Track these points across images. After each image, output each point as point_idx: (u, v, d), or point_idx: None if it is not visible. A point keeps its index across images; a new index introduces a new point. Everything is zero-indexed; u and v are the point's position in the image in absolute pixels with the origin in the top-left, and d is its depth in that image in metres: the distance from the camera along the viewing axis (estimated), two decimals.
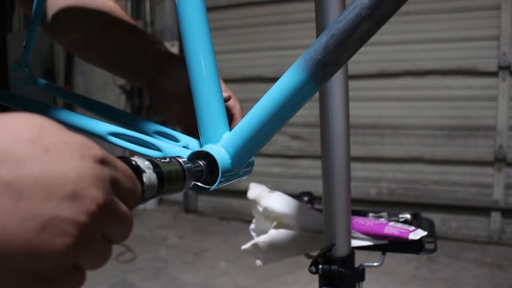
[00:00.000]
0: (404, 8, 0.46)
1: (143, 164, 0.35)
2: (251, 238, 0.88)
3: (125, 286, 2.62)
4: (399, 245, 0.76)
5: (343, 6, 0.63)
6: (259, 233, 0.87)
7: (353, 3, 0.42)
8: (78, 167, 0.26)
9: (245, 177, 0.55)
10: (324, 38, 0.44)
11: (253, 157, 0.53)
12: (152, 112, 4.15)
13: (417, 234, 0.75)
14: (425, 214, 0.93)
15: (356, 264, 0.76)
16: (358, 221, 0.81)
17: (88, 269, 0.28)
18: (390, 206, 3.23)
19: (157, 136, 0.58)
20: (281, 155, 3.71)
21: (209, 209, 4.05)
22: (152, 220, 3.84)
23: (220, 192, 3.88)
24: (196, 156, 0.48)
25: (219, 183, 0.48)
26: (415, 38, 3.23)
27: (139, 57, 0.65)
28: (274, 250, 0.85)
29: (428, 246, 0.78)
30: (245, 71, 3.68)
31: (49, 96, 3.52)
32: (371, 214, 0.89)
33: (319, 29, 0.65)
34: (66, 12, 0.67)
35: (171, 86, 0.62)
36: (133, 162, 0.34)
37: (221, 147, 0.50)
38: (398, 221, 0.85)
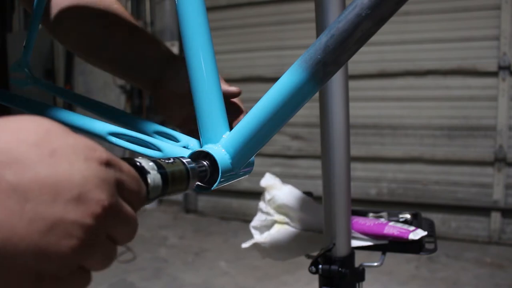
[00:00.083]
0: (404, 8, 0.46)
1: (148, 165, 0.35)
2: (251, 235, 0.89)
3: (125, 286, 2.62)
4: (399, 245, 0.76)
5: (343, 6, 0.63)
6: (259, 229, 0.88)
7: (353, 3, 0.42)
8: (84, 169, 0.26)
9: (245, 177, 0.55)
10: (324, 38, 0.44)
11: (253, 157, 0.53)
12: (152, 112, 4.15)
13: (417, 234, 0.75)
14: (425, 214, 0.93)
15: (356, 264, 0.76)
16: (358, 221, 0.81)
17: (93, 270, 0.28)
18: (390, 206, 3.23)
19: (157, 136, 0.58)
20: (281, 155, 3.71)
21: (209, 209, 4.05)
22: (152, 220, 3.84)
23: (220, 192, 3.88)
24: (196, 156, 0.48)
25: (219, 183, 0.48)
26: (415, 38, 3.23)
27: (142, 58, 0.65)
28: (275, 250, 0.86)
29: (428, 246, 0.78)
30: (245, 71, 3.68)
31: (49, 96, 3.52)
32: (371, 214, 0.89)
33: (319, 29, 0.65)
34: (70, 12, 0.67)
35: (175, 87, 0.62)
36: (138, 163, 0.34)
37: (221, 147, 0.50)
38: (398, 221, 0.85)
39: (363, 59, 3.22)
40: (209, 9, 0.71)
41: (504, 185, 3.13)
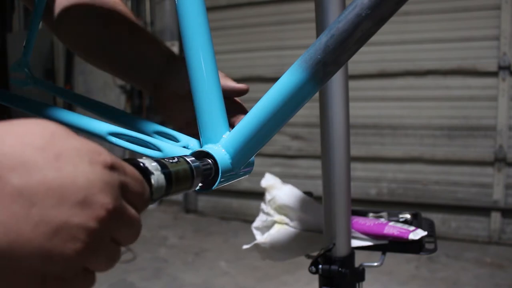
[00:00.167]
0: (404, 8, 0.46)
1: (151, 165, 0.35)
2: (253, 236, 0.89)
3: (125, 286, 2.62)
4: (399, 245, 0.76)
5: (343, 6, 0.63)
6: (261, 229, 0.88)
7: (353, 3, 0.42)
8: (88, 173, 0.26)
9: (245, 177, 0.55)
10: (324, 38, 0.44)
11: (253, 157, 0.53)
12: (152, 112, 4.15)
13: (417, 234, 0.75)
14: (425, 214, 0.93)
15: (356, 264, 0.76)
16: (358, 221, 0.81)
17: (97, 271, 0.29)
18: (390, 206, 3.23)
19: (157, 136, 0.58)
20: (281, 155, 3.71)
21: (209, 209, 4.05)
22: (152, 220, 3.84)
23: (220, 192, 3.88)
24: (196, 156, 0.48)
25: (219, 183, 0.48)
26: (415, 38, 3.23)
27: (142, 58, 0.65)
28: (275, 250, 0.86)
29: (428, 246, 0.78)
30: (245, 71, 3.68)
31: (49, 96, 3.52)
32: (371, 214, 0.89)
33: (319, 29, 0.65)
34: (71, 10, 0.67)
35: (175, 88, 0.61)
36: (141, 164, 0.35)
37: (221, 147, 0.50)
38: (398, 221, 0.85)
39: (363, 59, 3.22)
40: (209, 9, 0.71)
41: (504, 185, 3.13)
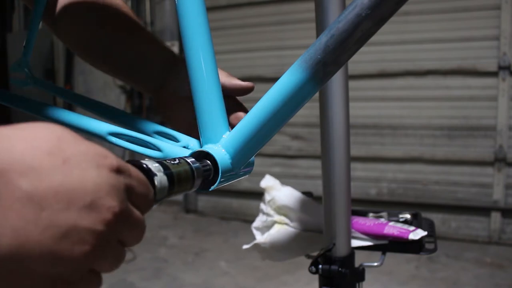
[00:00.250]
0: (404, 8, 0.46)
1: (153, 166, 0.36)
2: (253, 236, 0.89)
3: (125, 286, 2.62)
4: (399, 245, 0.76)
5: (343, 6, 0.63)
6: (260, 229, 0.88)
7: (353, 3, 0.42)
8: (95, 177, 0.27)
9: (245, 177, 0.55)
10: (324, 38, 0.44)
11: (253, 157, 0.53)
12: (152, 112, 4.15)
13: (417, 234, 0.75)
14: (425, 214, 0.93)
15: (356, 264, 0.76)
16: (358, 221, 0.81)
17: (103, 272, 0.29)
18: (390, 206, 3.23)
19: (157, 136, 0.58)
20: (281, 155, 3.71)
21: (209, 209, 4.05)
22: (152, 220, 3.84)
23: (220, 192, 3.88)
24: (196, 156, 0.48)
25: (219, 183, 0.48)
26: (415, 38, 3.23)
27: (142, 59, 0.64)
28: (275, 250, 0.86)
29: (428, 246, 0.78)
30: (245, 71, 3.68)
31: (49, 96, 3.52)
32: (371, 214, 0.89)
33: (319, 29, 0.65)
34: (70, 8, 0.66)
35: (176, 89, 0.61)
36: (144, 165, 0.35)
37: (221, 147, 0.50)
38: (398, 221, 0.85)
39: (363, 59, 3.22)
40: (209, 9, 0.71)
41: (504, 185, 3.13)
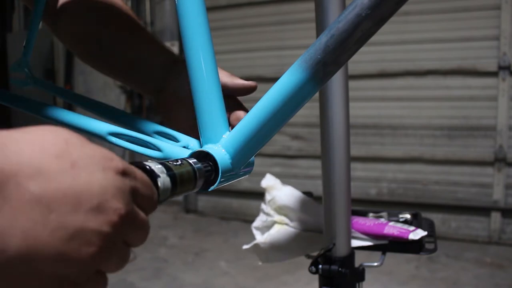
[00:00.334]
0: (404, 8, 0.46)
1: (156, 168, 0.36)
2: (253, 236, 0.89)
3: (125, 286, 2.62)
4: (399, 245, 0.76)
5: (343, 6, 0.63)
6: (261, 229, 0.88)
7: (353, 3, 0.42)
8: (102, 179, 0.28)
9: (245, 177, 0.55)
10: (324, 38, 0.44)
11: (253, 157, 0.53)
12: (152, 112, 4.15)
13: (417, 234, 0.75)
14: (425, 214, 0.93)
15: (356, 264, 0.76)
16: (358, 221, 0.81)
17: (109, 272, 0.30)
18: (390, 206, 3.23)
19: (157, 136, 0.58)
20: (281, 155, 3.71)
21: (209, 209, 4.05)
22: (152, 220, 3.80)
23: (220, 192, 3.88)
24: (196, 156, 0.48)
25: (219, 183, 0.48)
26: (415, 38, 3.23)
27: (142, 60, 0.64)
28: (275, 250, 0.86)
29: (428, 246, 0.78)
30: (245, 71, 3.68)
31: (49, 96, 3.52)
32: (371, 214, 0.89)
33: (319, 29, 0.65)
34: (71, 9, 0.66)
35: (176, 90, 0.60)
36: (147, 167, 0.36)
37: (221, 147, 0.50)
38: (398, 221, 0.85)
39: (363, 59, 3.22)
40: (209, 9, 0.71)
41: (504, 185, 3.13)
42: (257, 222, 0.89)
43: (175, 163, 0.39)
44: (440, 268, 2.76)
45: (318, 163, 1.24)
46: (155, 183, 0.35)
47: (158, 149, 0.52)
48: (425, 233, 0.76)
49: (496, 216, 3.16)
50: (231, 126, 0.55)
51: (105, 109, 0.63)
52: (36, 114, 0.59)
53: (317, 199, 0.85)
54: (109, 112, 0.63)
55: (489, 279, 2.60)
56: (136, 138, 0.53)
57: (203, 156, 0.48)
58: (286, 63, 3.41)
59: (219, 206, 4.00)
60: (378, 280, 2.52)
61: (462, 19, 3.09)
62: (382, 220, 0.84)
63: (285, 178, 0.92)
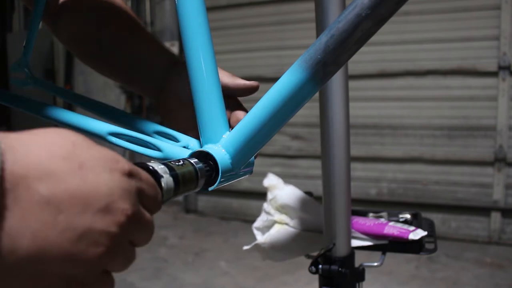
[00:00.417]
0: (404, 8, 0.46)
1: (159, 168, 0.37)
2: (253, 236, 0.89)
3: (125, 286, 2.62)
4: (399, 245, 0.76)
5: (343, 6, 0.63)
6: (261, 230, 0.88)
7: (353, 3, 0.42)
8: (109, 181, 0.28)
9: (245, 177, 0.55)
10: (324, 38, 0.44)
11: (253, 157, 0.53)
12: (152, 112, 4.15)
13: (417, 234, 0.75)
14: (425, 214, 0.93)
15: (356, 264, 0.76)
16: (358, 221, 0.81)
17: (115, 272, 0.31)
18: (390, 206, 3.23)
19: (157, 136, 0.58)
20: (281, 155, 3.71)
21: (209, 209, 4.05)
22: None
23: (220, 192, 3.88)
24: (196, 156, 0.48)
25: (219, 183, 0.48)
26: (415, 38, 3.23)
27: (142, 60, 0.63)
28: (275, 250, 0.86)
29: (428, 246, 0.78)
30: (245, 71, 3.68)
31: (49, 96, 3.52)
32: (371, 214, 0.89)
33: (319, 29, 0.65)
34: (71, 8, 0.66)
35: (177, 92, 0.60)
36: (150, 167, 0.36)
37: (221, 147, 0.50)
38: (398, 221, 0.85)
39: (363, 59, 3.22)
40: (209, 9, 0.71)
41: (504, 185, 3.13)
42: (258, 222, 0.89)
43: (177, 163, 0.40)
44: (440, 268, 2.76)
45: (318, 163, 1.24)
46: (159, 184, 0.36)
47: (158, 149, 0.52)
48: (425, 233, 0.76)
49: (496, 216, 3.16)
50: (231, 126, 0.55)
51: (105, 109, 0.63)
52: (36, 114, 0.59)
53: (317, 199, 0.85)
54: (109, 112, 0.63)
55: (489, 279, 2.60)
56: (136, 138, 0.53)
57: (203, 156, 0.48)
58: (286, 63, 3.41)
59: (219, 206, 4.00)
60: (378, 280, 2.52)
61: (462, 19, 3.09)
62: (382, 220, 0.84)
63: (285, 178, 0.92)
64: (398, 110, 3.35)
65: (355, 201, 1.29)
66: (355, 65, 3.23)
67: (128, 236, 0.30)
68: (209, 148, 0.49)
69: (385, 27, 0.46)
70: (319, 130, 0.71)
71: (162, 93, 0.62)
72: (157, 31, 4.11)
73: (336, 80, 0.67)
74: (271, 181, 0.89)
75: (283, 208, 0.85)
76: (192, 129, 0.57)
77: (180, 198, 4.08)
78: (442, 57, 3.18)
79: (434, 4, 3.13)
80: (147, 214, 0.32)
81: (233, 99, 0.59)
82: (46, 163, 0.26)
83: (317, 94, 0.53)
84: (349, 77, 0.69)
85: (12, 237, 0.24)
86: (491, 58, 3.07)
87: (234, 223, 3.77)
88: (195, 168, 0.42)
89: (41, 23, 0.70)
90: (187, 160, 0.42)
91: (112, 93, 4.29)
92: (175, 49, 3.90)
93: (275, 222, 0.86)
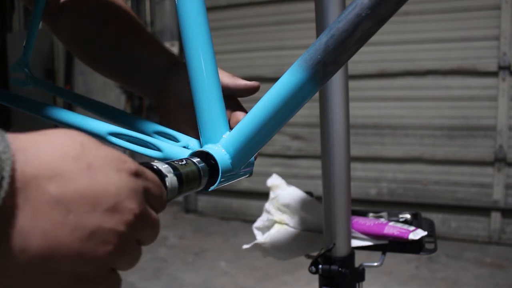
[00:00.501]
0: (404, 8, 0.46)
1: (163, 168, 0.37)
2: (253, 235, 0.89)
3: (125, 286, 2.62)
4: (399, 245, 0.76)
5: (343, 6, 0.63)
6: (261, 229, 0.88)
7: (353, 3, 0.42)
8: (117, 180, 0.29)
9: (245, 177, 0.55)
10: (324, 38, 0.44)
11: (253, 157, 0.53)
12: (152, 112, 4.15)
13: (417, 234, 0.75)
14: (425, 214, 0.93)
15: (356, 264, 0.76)
16: (358, 221, 0.81)
17: (121, 270, 0.31)
18: (390, 206, 3.23)
19: (157, 136, 0.58)
20: (281, 155, 3.71)
21: (209, 209, 4.05)
22: None
23: (220, 192, 3.88)
24: (196, 156, 0.48)
25: (219, 183, 0.48)
26: (415, 38, 3.23)
27: (142, 61, 0.63)
28: (275, 250, 0.86)
29: (428, 246, 0.78)
30: (245, 71, 3.68)
31: (49, 96, 3.52)
32: (371, 214, 0.89)
33: (319, 29, 0.65)
34: (71, 8, 0.66)
35: (177, 93, 0.60)
36: (155, 167, 0.37)
37: (221, 147, 0.50)
38: (398, 221, 0.85)
39: (363, 59, 3.22)
40: (209, 9, 0.71)
41: (504, 185, 3.13)
42: (259, 223, 0.89)
43: (180, 163, 0.41)
44: (440, 268, 2.76)
45: (318, 163, 1.24)
46: (163, 183, 0.36)
47: (158, 149, 0.52)
48: (425, 233, 0.76)
49: (496, 216, 3.16)
50: (231, 127, 0.55)
51: (105, 109, 0.63)
52: (36, 114, 0.59)
53: (317, 199, 0.86)
54: (109, 112, 0.63)
55: (489, 279, 2.60)
56: (136, 138, 0.53)
57: (203, 156, 0.48)
58: (286, 63, 3.41)
59: (219, 206, 4.00)
60: (378, 280, 2.52)
61: (462, 19, 3.09)
62: (382, 220, 0.84)
63: (285, 178, 0.92)
64: (398, 110, 3.35)
65: (355, 201, 1.29)
66: (355, 65, 3.23)
67: (136, 234, 0.30)
68: (209, 148, 0.49)
69: (385, 27, 0.46)
70: (319, 130, 0.71)
71: (162, 94, 0.62)
72: (157, 31, 4.11)
73: (336, 80, 0.67)
74: (274, 181, 0.90)
75: (284, 208, 0.85)
76: (192, 129, 0.57)
77: (180, 198, 4.08)
78: (442, 57, 3.18)
79: (434, 4, 3.13)
80: (153, 213, 0.32)
81: (233, 100, 0.59)
82: (56, 164, 0.27)
83: (317, 94, 0.53)
84: (349, 77, 0.69)
85: (23, 236, 0.25)
86: (491, 58, 3.07)
87: (234, 223, 3.77)
88: (198, 167, 0.43)
89: (41, 23, 0.70)
90: (190, 159, 0.43)
91: (112, 93, 4.29)
92: (175, 49, 3.90)
93: (275, 222, 0.86)
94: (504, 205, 3.14)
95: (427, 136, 3.30)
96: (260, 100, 0.48)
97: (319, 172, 0.77)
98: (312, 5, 0.65)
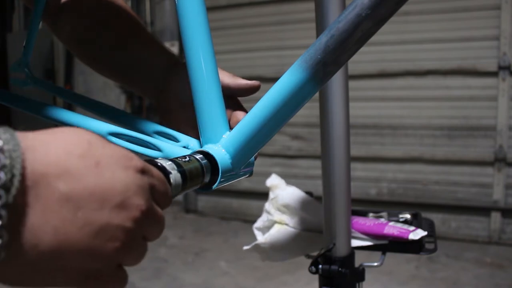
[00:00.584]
0: (404, 8, 0.46)
1: (168, 165, 0.38)
2: (253, 235, 0.89)
3: (125, 286, 2.62)
4: (399, 245, 0.76)
5: (343, 6, 0.63)
6: (261, 230, 0.88)
7: (353, 3, 0.42)
8: (124, 178, 0.29)
9: (245, 177, 0.55)
10: (324, 38, 0.44)
11: (253, 157, 0.53)
12: (152, 112, 4.15)
13: (417, 234, 0.75)
14: (425, 214, 0.93)
15: (356, 264, 0.76)
16: (358, 221, 0.81)
17: (128, 266, 0.32)
18: (390, 206, 3.23)
19: (157, 136, 0.58)
20: (281, 155, 3.71)
21: (209, 209, 4.05)
22: None
23: (220, 192, 3.88)
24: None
25: (219, 183, 0.48)
26: (415, 38, 3.23)
27: (142, 61, 0.63)
28: (275, 250, 0.86)
29: (428, 246, 0.78)
30: (245, 71, 3.68)
31: (49, 96, 3.52)
32: (371, 214, 0.89)
33: (319, 29, 0.65)
34: (71, 7, 0.66)
35: (179, 94, 0.60)
36: (159, 164, 0.37)
37: (221, 147, 0.50)
38: (398, 221, 0.85)
39: (363, 59, 3.22)
40: (209, 9, 0.71)
41: (504, 185, 3.13)
42: (259, 223, 0.89)
43: (183, 160, 0.41)
44: (440, 268, 2.76)
45: (318, 163, 1.24)
46: (168, 180, 0.37)
47: (158, 149, 0.52)
48: (425, 233, 0.76)
49: (496, 216, 3.16)
50: (231, 127, 0.55)
51: (105, 109, 0.63)
52: (36, 114, 0.59)
53: (317, 199, 0.86)
54: (109, 112, 0.63)
55: (489, 279, 2.60)
56: (136, 138, 0.53)
57: (203, 156, 0.48)
58: (286, 63, 3.41)
59: (219, 206, 4.00)
60: (378, 280, 2.52)
61: (462, 19, 3.09)
62: (382, 220, 0.84)
63: (285, 178, 0.92)
64: (398, 110, 3.35)
65: (355, 201, 1.29)
66: (355, 65, 3.23)
67: (142, 231, 0.31)
68: (209, 148, 0.49)
69: (385, 27, 0.46)
70: (319, 130, 0.71)
71: (162, 94, 0.62)
72: (157, 31, 4.11)
73: (336, 80, 0.67)
74: (274, 181, 0.90)
75: (283, 208, 0.85)
76: (192, 129, 0.57)
77: (180, 198, 4.08)
78: (442, 57, 3.18)
79: (434, 4, 3.13)
80: (159, 210, 0.33)
81: (233, 99, 0.59)
82: (64, 162, 0.27)
83: (317, 94, 0.53)
84: (349, 77, 0.69)
85: (34, 233, 0.25)
86: (491, 58, 3.07)
87: (234, 223, 3.77)
88: (201, 164, 0.43)
89: (41, 23, 0.70)
90: (193, 156, 0.44)
91: (112, 93, 4.29)
92: (175, 49, 3.90)
93: (275, 222, 0.86)
94: (504, 205, 3.14)
95: (427, 136, 3.30)
96: (260, 100, 0.48)
97: (319, 172, 0.77)
98: (312, 5, 0.65)
